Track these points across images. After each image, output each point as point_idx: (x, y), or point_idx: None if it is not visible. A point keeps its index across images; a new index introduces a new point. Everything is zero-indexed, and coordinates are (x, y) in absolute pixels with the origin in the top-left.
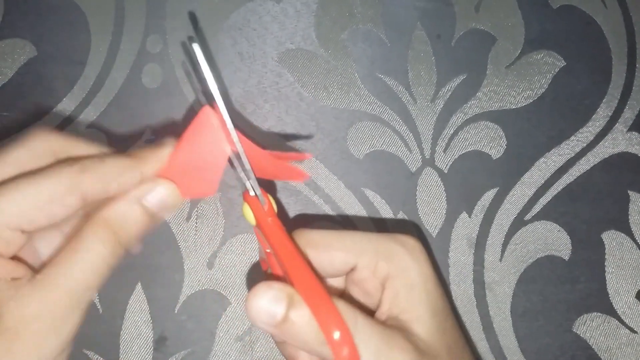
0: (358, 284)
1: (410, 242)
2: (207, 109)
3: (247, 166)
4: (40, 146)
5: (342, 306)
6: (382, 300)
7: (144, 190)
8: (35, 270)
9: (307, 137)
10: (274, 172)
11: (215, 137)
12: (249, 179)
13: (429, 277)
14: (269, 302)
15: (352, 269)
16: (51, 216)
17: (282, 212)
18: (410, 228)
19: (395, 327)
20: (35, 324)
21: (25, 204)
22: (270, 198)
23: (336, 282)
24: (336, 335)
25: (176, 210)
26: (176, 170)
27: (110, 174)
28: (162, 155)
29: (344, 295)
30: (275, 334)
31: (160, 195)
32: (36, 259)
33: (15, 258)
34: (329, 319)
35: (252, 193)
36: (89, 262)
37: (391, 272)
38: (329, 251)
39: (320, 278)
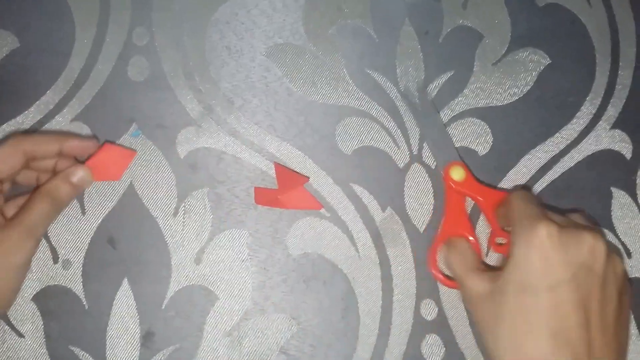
0: None
1: None
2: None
3: None
4: (10, 148)
5: None
6: None
7: (71, 171)
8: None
9: None
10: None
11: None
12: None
13: None
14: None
15: None
16: (5, 168)
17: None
18: None
19: None
20: (3, 247)
21: None
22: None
23: None
24: None
25: (90, 184)
26: (97, 162)
27: (39, 141)
28: (80, 142)
29: None
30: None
31: (80, 175)
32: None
33: None
34: None
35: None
36: (36, 213)
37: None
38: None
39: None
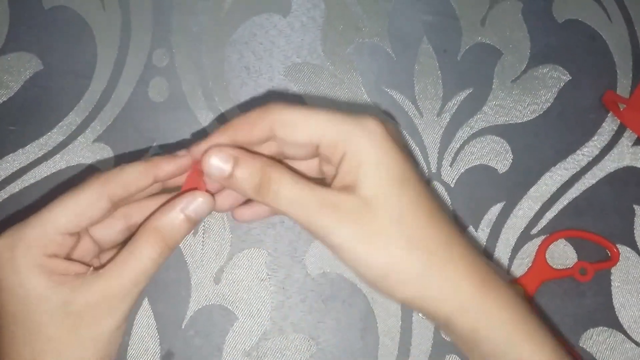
0: (325, 159)
1: (371, 125)
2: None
3: None
4: (90, 187)
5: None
6: (337, 172)
7: (187, 201)
8: (95, 266)
9: None
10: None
11: None
12: None
13: (384, 154)
14: (219, 160)
15: (318, 147)
16: (90, 218)
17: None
18: None
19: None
20: (96, 309)
21: (68, 213)
22: None
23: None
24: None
25: (207, 213)
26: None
27: (128, 180)
28: (174, 162)
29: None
30: (226, 186)
31: (197, 204)
32: (93, 254)
33: (68, 259)
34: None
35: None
36: (140, 263)
37: (347, 150)
38: (295, 131)
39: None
